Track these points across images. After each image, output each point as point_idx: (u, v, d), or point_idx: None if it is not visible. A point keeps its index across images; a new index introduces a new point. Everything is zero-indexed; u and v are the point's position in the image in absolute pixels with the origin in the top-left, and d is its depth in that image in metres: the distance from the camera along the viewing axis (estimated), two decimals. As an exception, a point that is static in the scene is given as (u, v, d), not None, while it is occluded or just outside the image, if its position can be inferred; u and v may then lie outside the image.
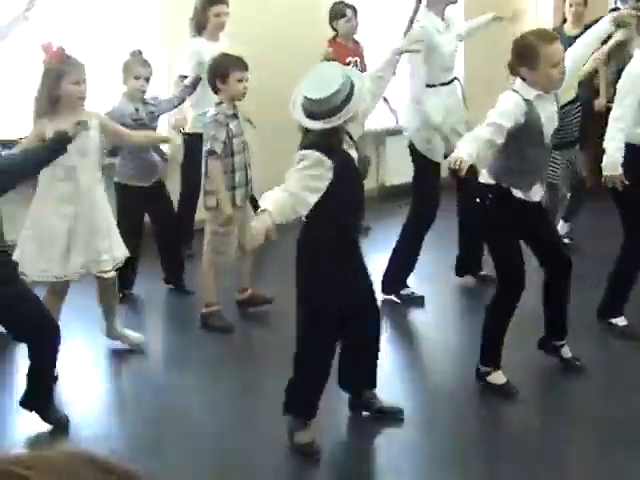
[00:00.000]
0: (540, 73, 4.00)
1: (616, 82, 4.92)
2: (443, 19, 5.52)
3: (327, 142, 3.52)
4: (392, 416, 4.06)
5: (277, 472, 3.72)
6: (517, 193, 4.16)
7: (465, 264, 6.01)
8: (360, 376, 4.02)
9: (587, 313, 5.06)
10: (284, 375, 4.62)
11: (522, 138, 4.02)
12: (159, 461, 3.70)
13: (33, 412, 3.97)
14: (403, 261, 5.64)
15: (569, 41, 7.09)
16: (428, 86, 5.54)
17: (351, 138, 3.72)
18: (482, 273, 5.94)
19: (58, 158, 4.07)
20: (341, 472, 3.79)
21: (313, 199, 3.47)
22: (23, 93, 5.73)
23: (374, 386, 4.07)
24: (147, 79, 5.43)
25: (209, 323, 5.23)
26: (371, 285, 3.96)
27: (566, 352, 4.57)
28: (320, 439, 3.80)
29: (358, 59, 7.03)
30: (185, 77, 6.14)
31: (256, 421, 4.11)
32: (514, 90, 4.06)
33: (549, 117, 4.14)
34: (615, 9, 7.97)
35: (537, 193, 4.26)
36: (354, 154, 3.71)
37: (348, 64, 6.73)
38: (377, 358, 4.01)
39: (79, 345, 5.04)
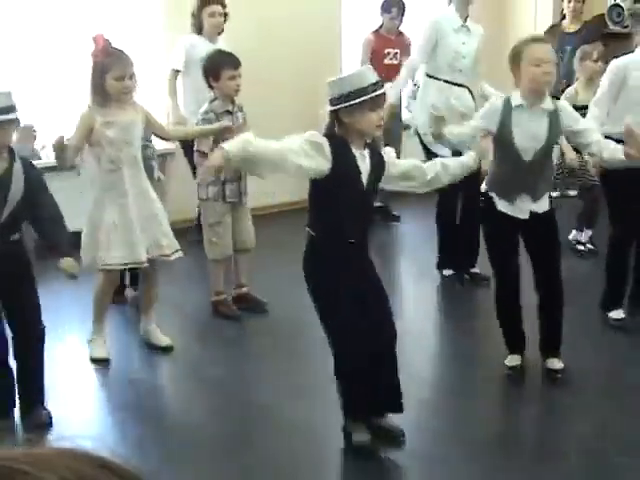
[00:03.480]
0: (522, 71, 3.99)
1: None
2: (465, 19, 5.66)
3: (335, 134, 3.50)
4: (392, 438, 3.80)
5: (279, 472, 3.72)
6: (499, 204, 4.16)
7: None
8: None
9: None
10: (281, 375, 4.62)
11: (497, 148, 4.09)
12: (158, 460, 3.69)
13: None
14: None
15: (567, 37, 7.15)
16: (428, 76, 5.71)
17: (373, 151, 3.62)
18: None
19: (104, 149, 4.48)
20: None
21: (298, 164, 3.39)
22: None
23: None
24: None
25: (219, 311, 5.35)
26: (386, 304, 3.74)
27: (552, 363, 4.41)
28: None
29: (398, 51, 7.21)
30: (178, 71, 6.30)
31: (255, 419, 4.11)
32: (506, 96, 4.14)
33: (527, 133, 4.05)
34: (616, 5, 8.01)
35: (523, 210, 4.15)
36: (364, 166, 3.55)
37: (387, 55, 7.07)
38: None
39: (77, 343, 5.03)
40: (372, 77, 3.46)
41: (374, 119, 3.46)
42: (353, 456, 3.72)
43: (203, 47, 5.96)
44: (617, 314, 5.01)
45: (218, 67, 5.10)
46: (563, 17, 7.38)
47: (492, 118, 4.09)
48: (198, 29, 6.28)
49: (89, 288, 4.78)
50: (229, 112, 5.15)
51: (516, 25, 8.76)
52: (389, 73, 6.52)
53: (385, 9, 7.23)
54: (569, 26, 7.13)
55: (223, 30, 6.31)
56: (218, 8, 6.26)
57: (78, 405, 4.32)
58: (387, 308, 3.73)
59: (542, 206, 4.21)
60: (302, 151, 3.39)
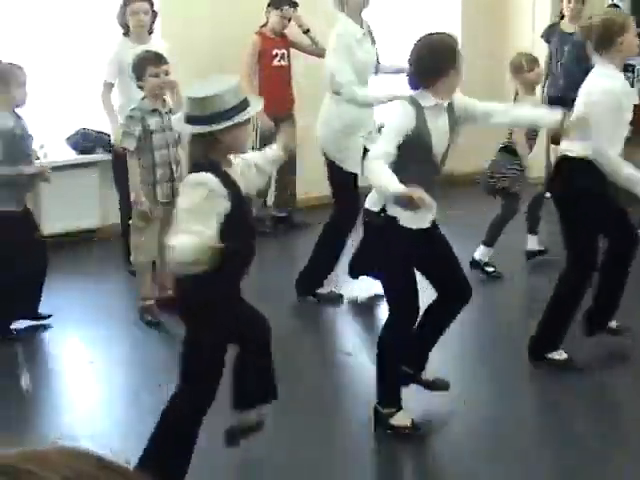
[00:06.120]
0: (450, 77, 3.79)
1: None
2: (362, 26, 5.32)
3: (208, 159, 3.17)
4: None
5: (277, 469, 3.72)
6: (404, 222, 3.78)
7: None
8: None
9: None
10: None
11: (407, 152, 3.73)
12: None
13: None
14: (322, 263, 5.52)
15: (565, 37, 7.15)
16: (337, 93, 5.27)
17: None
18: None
19: None
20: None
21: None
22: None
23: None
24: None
25: (144, 317, 5.20)
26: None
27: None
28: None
29: (285, 52, 6.84)
30: (111, 84, 5.89)
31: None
32: (410, 97, 3.82)
33: (440, 133, 3.84)
34: (614, 6, 8.01)
35: (425, 219, 3.87)
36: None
37: (275, 56, 6.70)
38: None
39: (75, 342, 5.04)
40: (242, 92, 3.21)
41: (246, 135, 3.30)
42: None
43: (129, 50, 5.61)
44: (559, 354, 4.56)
45: (142, 65, 5.06)
46: (562, 17, 7.38)
47: (406, 124, 3.77)
48: (124, 30, 5.88)
49: (89, 289, 4.80)
50: (157, 111, 5.05)
51: (514, 26, 8.76)
52: (280, 76, 6.54)
53: (274, 5, 6.77)
54: (568, 26, 7.13)
55: (152, 30, 5.91)
56: (141, 5, 5.78)
57: (78, 405, 4.33)
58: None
59: (430, 216, 3.93)
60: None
